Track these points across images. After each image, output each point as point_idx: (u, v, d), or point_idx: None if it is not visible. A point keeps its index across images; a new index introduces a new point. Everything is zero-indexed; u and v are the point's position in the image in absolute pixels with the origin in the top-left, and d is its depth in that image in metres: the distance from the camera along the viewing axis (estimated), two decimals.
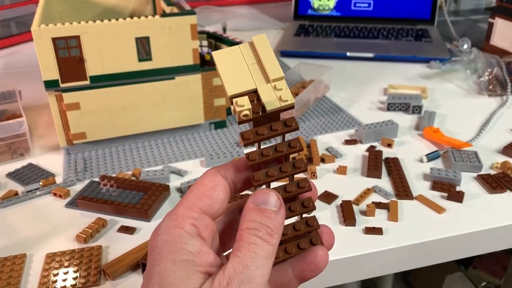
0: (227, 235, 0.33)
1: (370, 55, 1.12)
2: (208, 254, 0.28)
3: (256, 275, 0.27)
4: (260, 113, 0.28)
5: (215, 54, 0.29)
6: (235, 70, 0.29)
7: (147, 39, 0.69)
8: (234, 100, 0.28)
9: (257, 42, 0.30)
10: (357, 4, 1.33)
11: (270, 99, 0.28)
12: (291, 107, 0.29)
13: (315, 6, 1.34)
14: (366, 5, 1.32)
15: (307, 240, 0.30)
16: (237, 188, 0.32)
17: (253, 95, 0.29)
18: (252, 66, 0.29)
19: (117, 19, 0.67)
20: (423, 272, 1.42)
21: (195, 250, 0.28)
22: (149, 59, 0.71)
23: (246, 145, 0.29)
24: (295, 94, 0.86)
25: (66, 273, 0.50)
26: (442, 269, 1.30)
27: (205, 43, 0.95)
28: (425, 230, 0.56)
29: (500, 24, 1.09)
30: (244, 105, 0.28)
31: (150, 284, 0.28)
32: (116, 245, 0.55)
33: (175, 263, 0.27)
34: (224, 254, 0.33)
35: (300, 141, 0.30)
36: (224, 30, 1.27)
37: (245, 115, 0.28)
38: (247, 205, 0.29)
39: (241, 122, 0.29)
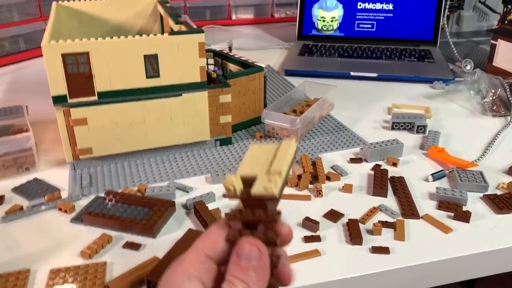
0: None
1: (374, 75, 1.13)
2: None
3: None
4: (245, 195, 0.32)
5: (251, 146, 0.36)
6: (254, 161, 0.34)
7: (155, 56, 0.70)
8: (229, 179, 0.32)
9: (283, 144, 0.35)
10: (361, 25, 1.35)
11: (259, 186, 0.31)
12: (272, 198, 0.31)
13: (319, 26, 1.36)
14: (369, 26, 1.34)
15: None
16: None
17: (250, 181, 0.32)
18: (266, 161, 0.34)
19: (126, 37, 0.68)
20: None
21: None
22: (157, 76, 0.71)
23: (229, 220, 0.33)
24: (300, 113, 0.86)
25: None
26: None
27: (211, 61, 0.96)
28: (432, 250, 0.56)
29: (502, 45, 1.10)
30: (232, 181, 0.32)
31: None
32: (121, 261, 0.54)
33: None
34: None
35: (274, 236, 0.33)
36: (230, 49, 1.29)
37: (228, 189, 0.32)
38: (233, 255, 0.32)
39: (229, 197, 0.33)
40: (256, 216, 0.32)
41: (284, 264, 0.34)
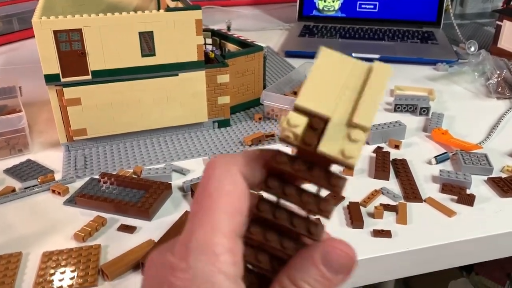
0: None
1: (376, 56, 1.10)
2: None
3: None
4: (308, 148, 0.21)
5: (323, 51, 0.23)
6: (326, 82, 0.22)
7: (150, 34, 0.68)
8: (289, 115, 0.21)
9: (377, 71, 0.23)
10: (362, 6, 1.31)
11: (332, 144, 0.21)
12: (349, 167, 0.22)
13: (320, 7, 1.33)
14: (372, 6, 1.31)
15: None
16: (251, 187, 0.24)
17: (320, 122, 0.22)
18: (348, 92, 0.22)
19: (120, 13, 0.66)
20: (424, 277, 1.40)
21: None
22: (153, 54, 0.69)
23: (271, 169, 0.23)
24: None
25: (63, 272, 0.48)
26: (444, 274, 1.28)
27: (209, 41, 0.94)
28: (435, 234, 0.54)
29: (508, 26, 1.07)
30: (298, 125, 0.21)
31: None
32: (115, 244, 0.53)
33: None
34: None
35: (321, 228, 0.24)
36: (229, 29, 1.26)
37: (287, 137, 0.22)
38: (315, 256, 0.22)
39: (282, 140, 0.22)
40: (314, 178, 0.22)
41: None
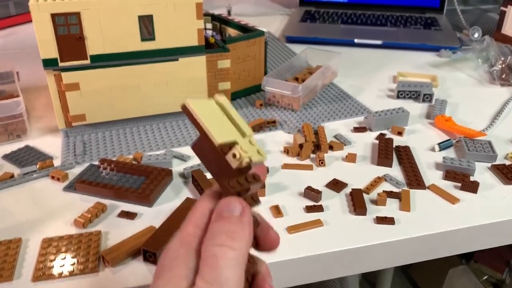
0: None
1: (378, 42, 1.08)
2: None
3: None
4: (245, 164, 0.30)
5: (190, 102, 0.30)
6: (216, 120, 0.31)
7: (150, 17, 0.66)
8: (237, 147, 0.29)
9: (222, 101, 0.32)
10: None
11: (251, 153, 0.30)
12: (262, 162, 0.32)
13: None
14: None
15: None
16: None
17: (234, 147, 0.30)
18: (227, 120, 0.32)
19: None
20: (423, 265, 1.41)
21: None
22: (152, 38, 0.68)
23: (231, 194, 0.30)
24: (302, 80, 0.83)
25: (63, 259, 0.48)
26: (443, 262, 1.29)
27: (209, 25, 0.92)
28: (438, 221, 0.54)
29: None
30: (247, 153, 0.29)
31: None
32: (116, 230, 0.52)
33: (170, 281, 0.27)
34: None
35: (256, 196, 0.31)
36: (229, 13, 1.24)
37: (247, 162, 0.29)
38: (213, 217, 0.28)
39: (240, 169, 0.29)
40: (251, 183, 0.30)
41: (265, 227, 0.31)
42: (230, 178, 0.29)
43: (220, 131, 0.30)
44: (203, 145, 0.30)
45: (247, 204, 0.29)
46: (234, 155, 0.29)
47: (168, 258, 0.27)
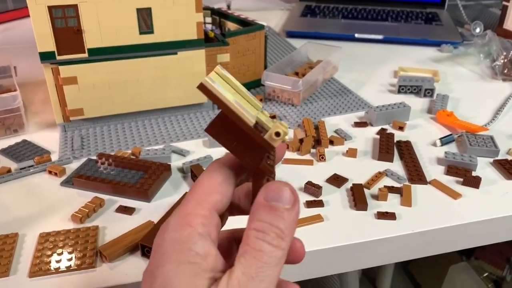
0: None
1: (379, 37, 1.08)
2: (216, 258, 0.26)
3: (261, 287, 0.25)
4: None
5: (210, 80, 0.27)
6: (236, 96, 0.28)
7: (148, 10, 0.65)
8: (278, 125, 0.27)
9: (225, 72, 0.29)
10: None
11: (281, 131, 0.27)
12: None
13: None
14: None
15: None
16: (241, 178, 0.30)
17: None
18: (238, 94, 0.29)
19: None
20: (423, 262, 1.40)
21: (204, 253, 0.25)
22: (151, 32, 0.67)
23: (258, 171, 0.28)
24: (302, 75, 0.82)
25: (60, 254, 0.47)
26: (444, 258, 1.28)
27: (209, 19, 0.91)
28: (440, 216, 0.53)
29: None
30: (286, 132, 0.27)
31: (152, 285, 0.25)
32: (113, 225, 0.52)
33: (180, 265, 0.25)
34: None
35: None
36: (229, 7, 1.23)
37: (287, 139, 0.28)
38: (258, 200, 0.26)
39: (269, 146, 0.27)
40: (274, 161, 0.29)
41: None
42: (262, 156, 0.27)
43: (248, 109, 0.27)
44: (225, 126, 0.27)
45: (295, 191, 0.27)
46: (278, 134, 0.26)
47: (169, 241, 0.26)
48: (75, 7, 0.62)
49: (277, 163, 0.30)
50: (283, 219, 0.25)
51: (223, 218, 0.30)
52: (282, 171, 0.61)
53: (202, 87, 0.26)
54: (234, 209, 0.31)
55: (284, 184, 0.27)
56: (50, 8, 0.61)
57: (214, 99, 0.26)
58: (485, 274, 1.24)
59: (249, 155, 0.28)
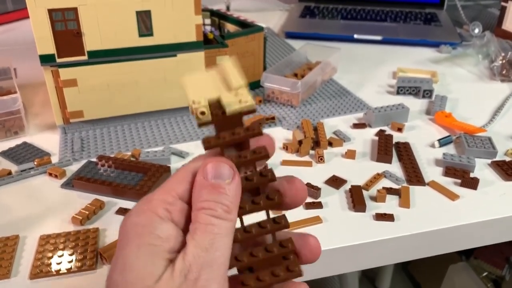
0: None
1: (378, 38, 1.08)
2: (177, 240, 0.27)
3: (216, 257, 0.26)
4: (220, 117, 0.28)
5: (186, 77, 0.29)
6: (200, 82, 0.29)
7: (148, 13, 0.66)
8: (190, 99, 0.28)
9: (222, 61, 0.31)
10: None
11: (230, 102, 0.28)
12: (251, 110, 0.28)
13: None
14: None
15: (283, 268, 0.29)
16: None
17: (216, 103, 0.28)
18: (215, 79, 0.29)
19: None
20: (423, 262, 1.41)
21: (164, 235, 0.26)
22: (150, 34, 0.67)
23: (206, 149, 0.28)
24: (301, 76, 0.83)
25: (61, 256, 0.47)
26: (443, 258, 1.29)
27: (208, 21, 0.92)
28: (438, 217, 0.53)
29: None
30: (200, 102, 0.27)
31: (114, 269, 0.26)
32: (114, 227, 0.52)
33: (140, 248, 0.26)
34: None
35: (262, 148, 0.29)
36: (228, 9, 1.23)
37: (202, 113, 0.28)
38: (197, 180, 0.27)
39: (200, 125, 0.28)
40: (238, 135, 0.28)
41: (285, 179, 0.30)
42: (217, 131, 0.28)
43: (200, 89, 0.28)
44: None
45: (232, 164, 0.28)
46: (203, 113, 0.27)
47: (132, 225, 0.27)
48: (74, 10, 0.63)
49: (266, 158, 0.29)
50: (226, 195, 0.27)
51: None
52: (281, 173, 0.61)
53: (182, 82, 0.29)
54: None
55: (220, 160, 0.28)
56: (50, 11, 0.62)
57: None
58: (484, 274, 1.25)
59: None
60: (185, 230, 0.27)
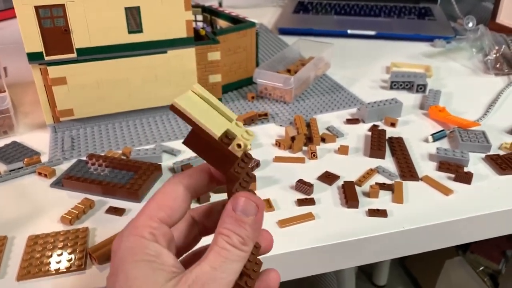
0: (187, 238, 0.35)
1: (372, 33, 1.07)
2: (168, 257, 0.30)
3: (222, 277, 0.29)
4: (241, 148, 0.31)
5: (178, 101, 0.30)
6: (205, 112, 0.31)
7: (137, 9, 0.65)
8: (239, 137, 0.31)
9: (200, 90, 0.32)
10: None
11: (246, 139, 0.31)
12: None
13: None
14: None
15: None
16: (198, 194, 0.34)
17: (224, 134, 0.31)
18: (211, 108, 0.32)
19: None
20: (420, 257, 1.41)
21: (155, 253, 0.30)
22: (140, 31, 0.66)
23: (236, 178, 0.32)
24: (294, 72, 0.82)
25: (49, 256, 0.47)
26: (440, 253, 1.29)
27: (199, 17, 0.91)
28: (432, 213, 0.53)
29: (507, 1, 1.05)
30: (248, 139, 0.31)
31: (115, 281, 0.29)
32: (104, 227, 0.51)
33: (138, 263, 0.29)
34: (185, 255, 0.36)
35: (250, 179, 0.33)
36: (220, 5, 1.22)
37: (238, 145, 0.31)
38: (227, 208, 0.31)
39: (238, 158, 0.31)
40: (247, 163, 0.32)
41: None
42: (231, 164, 0.31)
43: (214, 123, 0.31)
44: (198, 139, 0.31)
45: (261, 201, 0.32)
46: (239, 145, 0.30)
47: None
48: (62, 6, 0.62)
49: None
50: (245, 229, 0.30)
51: (194, 240, 0.36)
52: (273, 170, 0.61)
53: (173, 108, 0.30)
54: (204, 231, 0.36)
55: (250, 196, 0.31)
56: (37, 8, 0.61)
57: (184, 118, 0.30)
58: (481, 268, 1.25)
59: (219, 163, 0.32)
60: (169, 249, 0.31)
